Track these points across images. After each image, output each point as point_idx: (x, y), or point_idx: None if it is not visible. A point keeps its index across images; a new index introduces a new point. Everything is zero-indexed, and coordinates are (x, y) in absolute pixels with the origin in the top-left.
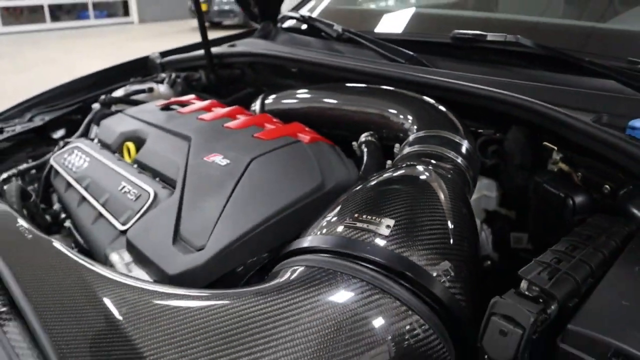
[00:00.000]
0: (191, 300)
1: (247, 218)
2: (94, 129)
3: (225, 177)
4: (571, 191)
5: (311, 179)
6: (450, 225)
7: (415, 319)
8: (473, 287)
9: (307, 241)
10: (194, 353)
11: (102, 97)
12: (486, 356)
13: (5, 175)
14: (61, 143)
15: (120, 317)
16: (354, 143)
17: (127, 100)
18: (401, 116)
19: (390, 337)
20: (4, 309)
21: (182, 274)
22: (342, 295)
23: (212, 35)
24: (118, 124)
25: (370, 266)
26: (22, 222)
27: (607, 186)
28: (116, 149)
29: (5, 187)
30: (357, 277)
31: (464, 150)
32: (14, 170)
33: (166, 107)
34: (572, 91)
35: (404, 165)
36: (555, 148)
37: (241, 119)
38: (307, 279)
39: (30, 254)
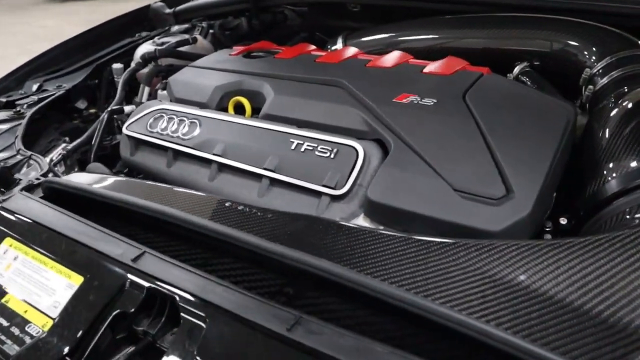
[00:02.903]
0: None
1: (535, 157)
2: (145, 90)
3: (449, 117)
4: None
5: (559, 111)
6: None
7: None
8: None
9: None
10: None
11: (144, 52)
12: None
13: (52, 157)
14: (104, 115)
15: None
16: (510, 75)
17: (177, 54)
18: (575, 43)
19: None
20: None
21: (509, 227)
22: None
23: (67, 7)
24: (201, 79)
25: None
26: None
27: None
28: (216, 106)
29: (89, 166)
30: None
31: None
32: (61, 152)
33: (248, 55)
34: None
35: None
36: None
37: (376, 58)
38: None
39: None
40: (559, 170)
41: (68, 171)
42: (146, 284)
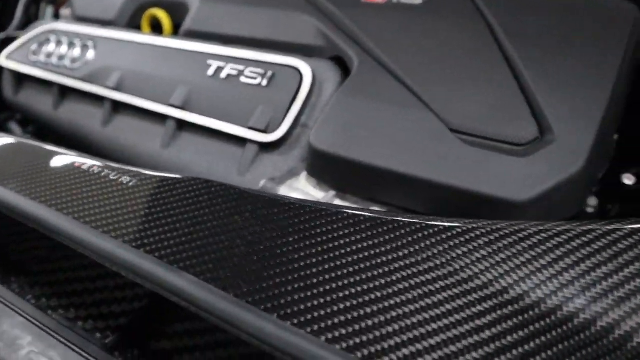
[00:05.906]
0: None
1: (588, 81)
2: (47, 10)
3: (447, 20)
4: None
5: (618, 14)
6: None
7: None
8: None
9: None
10: None
11: None
12: None
13: None
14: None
15: None
16: None
17: None
18: None
19: None
20: None
21: (546, 194)
22: None
23: None
24: None
25: None
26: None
27: None
28: (128, 24)
29: None
30: None
31: None
32: None
33: None
34: None
35: None
36: None
37: None
38: None
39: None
40: (622, 101)
41: None
42: None
